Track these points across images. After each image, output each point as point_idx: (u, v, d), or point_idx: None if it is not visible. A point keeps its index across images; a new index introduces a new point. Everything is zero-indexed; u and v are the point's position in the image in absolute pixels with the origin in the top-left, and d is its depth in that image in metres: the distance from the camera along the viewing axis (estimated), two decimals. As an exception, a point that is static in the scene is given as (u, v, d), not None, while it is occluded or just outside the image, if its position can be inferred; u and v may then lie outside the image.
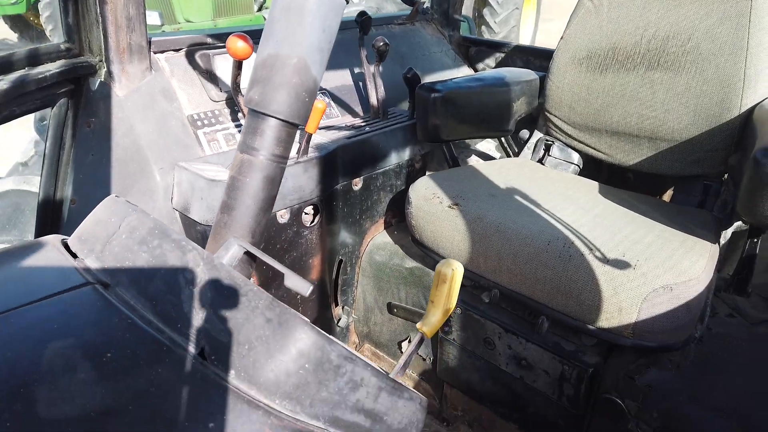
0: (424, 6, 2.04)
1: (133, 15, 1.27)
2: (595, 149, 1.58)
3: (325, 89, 1.67)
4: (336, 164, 1.42)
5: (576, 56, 1.55)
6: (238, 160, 0.63)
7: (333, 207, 1.45)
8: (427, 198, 1.36)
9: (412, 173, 1.67)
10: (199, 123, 1.37)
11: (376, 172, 1.55)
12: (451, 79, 1.54)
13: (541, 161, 1.68)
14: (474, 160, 1.91)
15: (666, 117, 1.40)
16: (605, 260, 1.07)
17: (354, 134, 1.50)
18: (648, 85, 1.42)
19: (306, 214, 1.38)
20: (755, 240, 1.17)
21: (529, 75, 1.68)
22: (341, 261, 1.57)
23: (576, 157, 1.65)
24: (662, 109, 1.41)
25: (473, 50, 2.16)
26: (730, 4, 1.32)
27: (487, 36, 7.54)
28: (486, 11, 7.13)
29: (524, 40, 8.02)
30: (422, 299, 1.48)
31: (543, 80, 1.65)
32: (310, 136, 1.30)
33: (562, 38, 1.59)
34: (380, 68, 1.60)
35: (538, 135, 1.72)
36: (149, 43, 1.35)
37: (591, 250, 1.10)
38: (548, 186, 1.44)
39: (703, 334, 1.18)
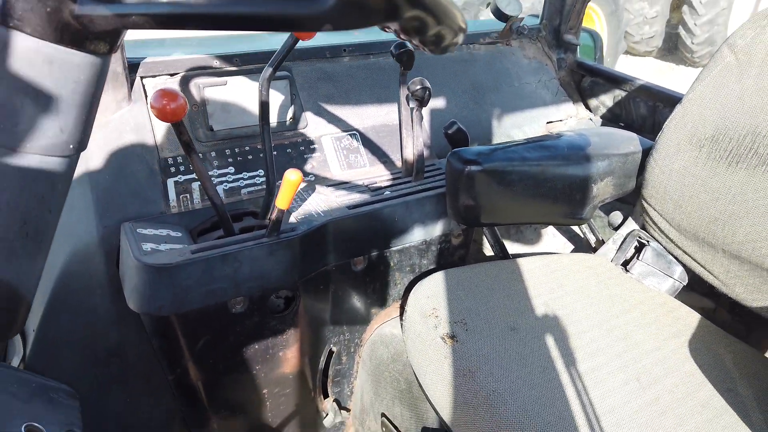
0: (521, 25, 1.60)
1: None
2: (704, 268, 1.08)
3: (356, 130, 1.35)
4: (323, 243, 1.11)
5: (696, 134, 1.05)
6: None
7: (319, 291, 1.16)
8: (425, 313, 1.01)
9: (446, 251, 1.30)
10: (172, 170, 1.14)
11: (389, 249, 1.21)
12: (501, 145, 1.13)
13: (626, 265, 1.21)
14: (531, 246, 1.48)
15: (821, 257, 0.88)
16: None
17: (363, 201, 1.17)
18: (799, 201, 0.91)
19: (278, 297, 1.11)
20: None
21: (629, 144, 1.20)
22: (332, 351, 1.27)
23: (678, 271, 1.16)
24: (817, 243, 0.89)
25: (587, 81, 1.67)
26: None
27: (688, 20, 6.51)
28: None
29: (735, 29, 6.77)
30: (414, 430, 1.14)
31: (647, 153, 1.17)
32: (282, 212, 1.00)
33: (680, 103, 1.09)
34: (422, 115, 1.24)
35: (632, 226, 1.25)
36: (129, 67, 1.14)
37: None
38: (613, 319, 1.00)
39: None
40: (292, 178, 0.94)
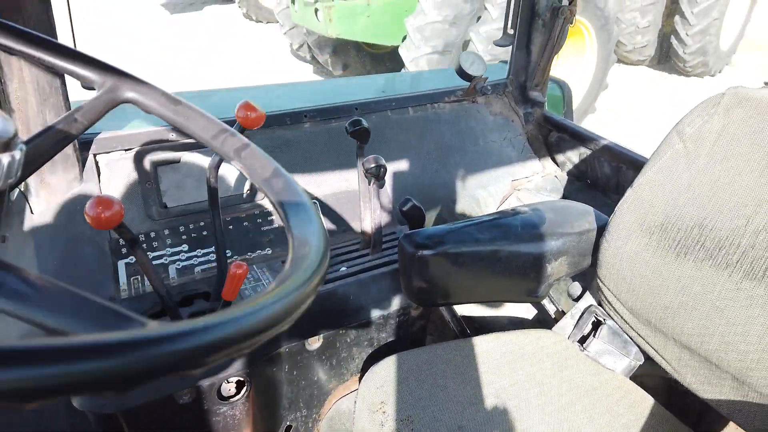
0: (485, 85, 1.59)
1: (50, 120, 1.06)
2: (657, 353, 1.07)
3: (315, 198, 1.34)
4: (274, 328, 1.10)
5: (646, 220, 1.04)
6: None
7: (272, 373, 1.15)
8: (373, 407, 1.00)
9: (405, 324, 1.29)
10: (123, 250, 1.13)
11: (345, 328, 1.20)
12: (455, 225, 1.12)
13: (583, 341, 1.20)
14: (492, 311, 1.47)
15: (764, 358, 0.87)
16: None
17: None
18: (744, 302, 0.90)
19: (227, 383, 1.10)
20: None
21: (583, 221, 1.19)
22: (290, 427, 1.26)
23: (634, 351, 1.15)
24: (760, 344, 0.88)
25: (554, 136, 1.66)
26: None
27: (680, 30, 6.52)
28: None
29: (727, 39, 6.81)
30: None
31: (603, 230, 1.16)
32: (226, 303, 0.99)
33: (631, 187, 1.08)
34: (383, 182, 1.23)
35: (590, 299, 1.24)
36: (81, 145, 1.13)
37: None
38: (565, 409, 1.00)
39: None
40: (237, 271, 0.93)
